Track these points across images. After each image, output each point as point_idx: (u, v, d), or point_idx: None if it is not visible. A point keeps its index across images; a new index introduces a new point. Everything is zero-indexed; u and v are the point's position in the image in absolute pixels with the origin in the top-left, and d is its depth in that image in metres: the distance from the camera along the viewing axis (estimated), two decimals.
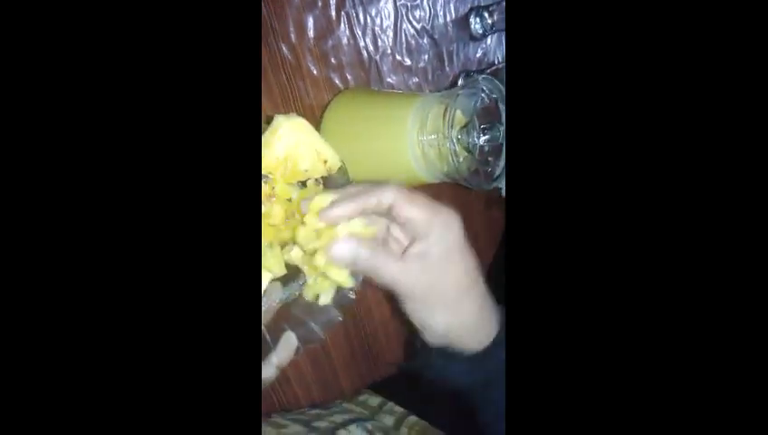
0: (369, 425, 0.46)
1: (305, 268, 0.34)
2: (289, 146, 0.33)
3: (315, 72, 0.47)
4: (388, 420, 0.49)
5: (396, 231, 0.34)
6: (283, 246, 0.35)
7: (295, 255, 0.34)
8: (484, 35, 0.63)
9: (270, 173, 0.33)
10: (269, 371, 0.33)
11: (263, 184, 0.33)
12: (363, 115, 0.44)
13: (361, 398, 0.53)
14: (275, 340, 0.34)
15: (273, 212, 0.34)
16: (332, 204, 0.31)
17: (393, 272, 0.31)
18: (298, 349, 0.35)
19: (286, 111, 0.45)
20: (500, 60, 0.67)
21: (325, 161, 0.35)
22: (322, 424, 0.45)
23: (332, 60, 0.48)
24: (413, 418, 0.51)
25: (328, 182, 0.37)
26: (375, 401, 0.53)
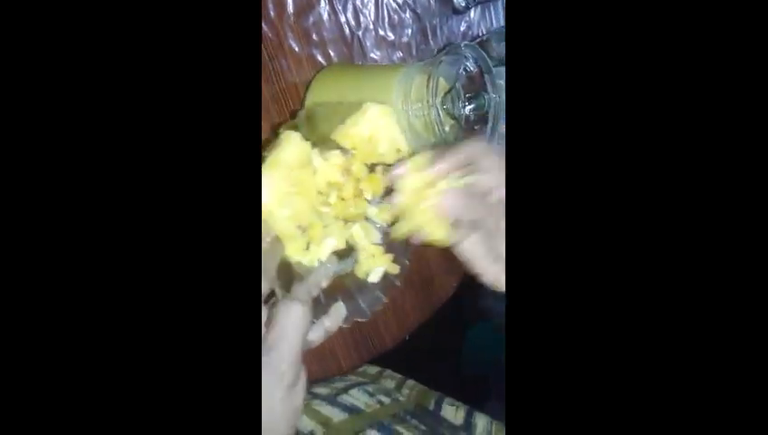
0: (370, 388, 0.46)
1: (361, 246, 0.37)
2: (374, 127, 0.36)
3: (297, 49, 0.46)
4: (389, 384, 0.49)
5: (477, 181, 0.36)
6: (345, 221, 0.37)
7: (356, 232, 0.37)
8: (467, 8, 0.63)
9: (354, 148, 0.36)
10: (319, 333, 0.35)
11: (343, 157, 0.36)
12: (347, 89, 0.44)
13: (360, 370, 0.54)
14: (328, 305, 0.36)
15: (346, 187, 0.36)
16: (434, 162, 0.33)
17: (494, 217, 0.33)
18: (346, 318, 0.37)
19: (270, 91, 0.45)
20: (484, 33, 0.67)
21: (398, 150, 0.37)
22: (324, 391, 0.45)
23: (314, 36, 0.47)
24: (411, 381, 0.52)
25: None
26: (373, 369, 0.54)
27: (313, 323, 0.34)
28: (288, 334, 0.28)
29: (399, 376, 0.52)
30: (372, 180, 0.37)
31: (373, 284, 0.38)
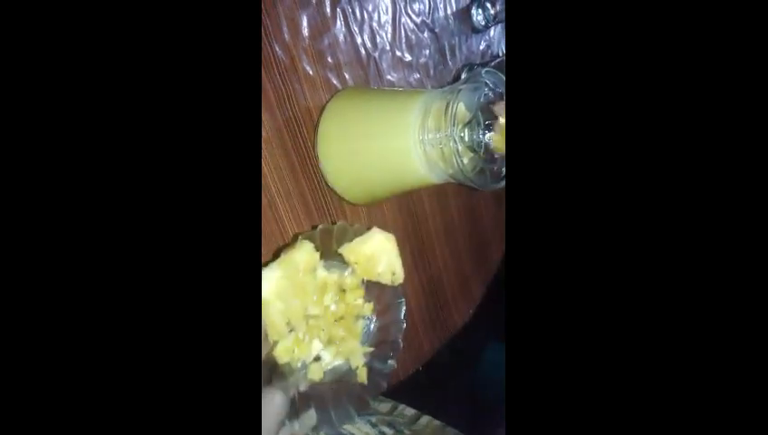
0: (373, 419, 0.45)
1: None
2: (376, 250, 0.40)
3: (311, 72, 0.45)
4: (400, 420, 0.47)
5: None
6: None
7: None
8: (487, 27, 0.61)
9: (356, 263, 0.40)
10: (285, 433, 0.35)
11: (341, 273, 0.40)
12: (363, 115, 0.42)
13: (371, 404, 0.52)
14: (302, 409, 0.37)
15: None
16: None
17: None
18: (315, 428, 0.37)
19: (282, 114, 0.43)
20: (504, 52, 0.65)
21: (393, 273, 0.40)
22: None
23: (329, 59, 0.46)
24: (427, 417, 0.49)
25: (383, 292, 0.43)
26: (386, 407, 0.52)
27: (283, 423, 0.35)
28: (267, 421, 0.28)
29: (414, 412, 0.49)
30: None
31: (348, 398, 0.39)
